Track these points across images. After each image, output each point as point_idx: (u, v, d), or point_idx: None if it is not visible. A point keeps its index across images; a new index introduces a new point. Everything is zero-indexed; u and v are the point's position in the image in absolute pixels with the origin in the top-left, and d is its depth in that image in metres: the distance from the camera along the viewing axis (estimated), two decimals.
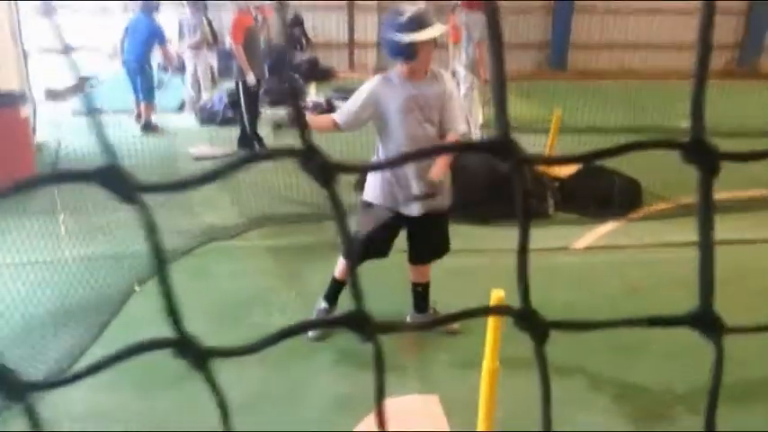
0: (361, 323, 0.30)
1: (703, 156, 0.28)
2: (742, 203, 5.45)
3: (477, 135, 7.50)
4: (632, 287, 4.29)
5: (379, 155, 3.41)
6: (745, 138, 7.05)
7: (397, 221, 3.41)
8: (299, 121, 0.36)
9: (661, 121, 7.85)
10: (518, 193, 0.30)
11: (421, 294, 3.66)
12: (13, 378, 0.30)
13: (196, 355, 0.29)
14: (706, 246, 0.29)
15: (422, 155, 0.47)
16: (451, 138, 3.22)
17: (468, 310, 0.36)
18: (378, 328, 0.30)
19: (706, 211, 0.28)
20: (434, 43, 3.18)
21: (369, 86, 3.30)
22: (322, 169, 0.30)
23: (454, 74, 7.40)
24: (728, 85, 10.08)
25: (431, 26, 3.09)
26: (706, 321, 0.31)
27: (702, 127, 0.30)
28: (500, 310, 0.32)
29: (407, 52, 3.10)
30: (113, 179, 0.26)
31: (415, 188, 3.28)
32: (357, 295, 0.31)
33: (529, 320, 0.32)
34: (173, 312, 0.29)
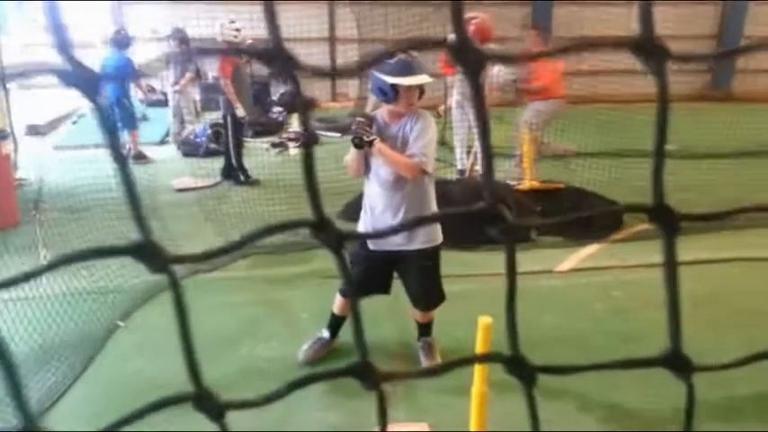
0: (366, 373, 0.32)
1: (666, 217, 0.31)
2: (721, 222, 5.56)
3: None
4: (617, 308, 4.34)
5: (365, 193, 3.44)
6: (718, 159, 7.25)
7: (380, 260, 3.38)
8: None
9: (633, 144, 8.05)
10: (509, 260, 0.33)
11: (421, 327, 3.69)
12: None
13: (214, 409, 0.31)
14: (673, 295, 0.32)
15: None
16: (407, 158, 3.20)
17: (462, 359, 0.38)
18: (382, 377, 0.32)
19: (671, 266, 0.31)
20: (419, 91, 3.22)
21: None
22: (337, 239, 0.33)
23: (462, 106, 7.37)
24: (703, 108, 10.36)
25: (416, 74, 3.14)
26: (677, 362, 0.34)
27: (662, 192, 0.33)
28: (490, 358, 0.35)
29: (390, 94, 3.17)
30: (147, 254, 0.28)
31: (388, 224, 3.25)
32: (361, 346, 0.34)
33: (518, 366, 0.35)
34: (192, 369, 0.31)
